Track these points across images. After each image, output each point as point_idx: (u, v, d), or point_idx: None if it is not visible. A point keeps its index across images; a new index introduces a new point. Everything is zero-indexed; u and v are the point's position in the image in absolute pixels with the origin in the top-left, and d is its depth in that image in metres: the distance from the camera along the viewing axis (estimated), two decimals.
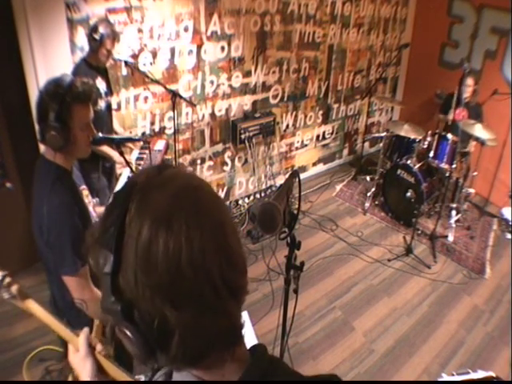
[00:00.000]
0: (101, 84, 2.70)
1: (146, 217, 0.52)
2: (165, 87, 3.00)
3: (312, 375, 0.72)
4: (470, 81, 3.82)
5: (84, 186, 1.68)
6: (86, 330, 0.92)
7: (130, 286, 0.52)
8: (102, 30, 2.47)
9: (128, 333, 0.54)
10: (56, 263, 1.45)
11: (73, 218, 1.43)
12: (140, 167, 2.78)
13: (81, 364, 0.88)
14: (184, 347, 0.54)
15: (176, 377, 0.67)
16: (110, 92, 2.85)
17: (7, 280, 0.99)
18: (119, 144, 1.97)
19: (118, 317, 0.54)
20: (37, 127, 1.45)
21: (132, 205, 0.53)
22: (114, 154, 2.61)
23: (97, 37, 2.47)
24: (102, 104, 2.70)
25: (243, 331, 0.62)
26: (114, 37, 2.56)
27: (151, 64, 3.17)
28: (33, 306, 0.98)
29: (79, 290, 1.44)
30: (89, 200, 1.67)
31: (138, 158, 2.89)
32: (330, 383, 0.74)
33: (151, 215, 0.52)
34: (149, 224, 0.51)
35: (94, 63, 2.62)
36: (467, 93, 3.77)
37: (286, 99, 4.27)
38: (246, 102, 3.94)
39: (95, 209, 1.72)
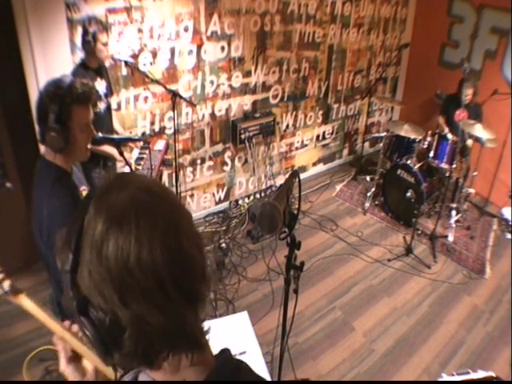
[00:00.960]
0: (100, 85, 2.70)
1: (101, 216, 0.55)
2: (165, 87, 3.00)
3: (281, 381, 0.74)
4: (469, 90, 3.83)
5: (84, 187, 1.68)
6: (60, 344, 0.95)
7: (85, 282, 0.56)
8: (91, 29, 2.48)
9: (86, 325, 0.57)
10: (56, 263, 1.45)
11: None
12: (140, 167, 2.78)
13: (66, 371, 0.95)
14: (135, 345, 0.56)
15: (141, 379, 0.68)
16: (110, 93, 2.85)
17: (0, 276, 1.02)
18: (119, 144, 1.97)
19: (75, 312, 0.57)
20: (37, 128, 1.45)
21: (91, 204, 0.57)
22: (114, 152, 2.61)
23: (90, 38, 2.48)
24: (101, 106, 2.70)
25: (206, 337, 0.64)
26: (106, 28, 2.56)
27: (151, 64, 3.17)
28: (25, 301, 1.01)
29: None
30: None
31: (138, 158, 2.89)
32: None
33: (105, 214, 0.55)
34: (102, 222, 0.54)
35: (92, 65, 2.62)
36: (466, 101, 3.78)
37: (286, 99, 4.27)
38: (246, 101, 3.94)
39: None
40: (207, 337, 0.64)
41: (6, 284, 1.02)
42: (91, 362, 0.96)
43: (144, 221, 0.55)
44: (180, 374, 0.62)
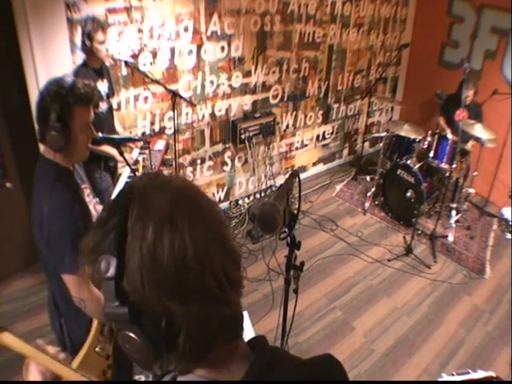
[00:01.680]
0: (102, 86, 2.70)
1: (148, 219, 0.54)
2: (165, 87, 3.00)
3: (309, 358, 0.76)
4: (469, 92, 3.83)
5: (85, 185, 1.69)
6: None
7: (136, 288, 0.53)
8: (87, 30, 2.48)
9: (134, 336, 0.55)
10: (56, 262, 1.45)
11: (73, 217, 1.42)
12: (140, 167, 2.78)
13: None
14: (191, 342, 0.55)
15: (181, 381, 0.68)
16: (111, 93, 2.85)
17: None
18: (119, 144, 1.97)
19: (124, 320, 0.54)
20: (37, 127, 1.45)
21: (133, 209, 0.55)
22: (114, 153, 2.61)
23: (86, 38, 2.47)
24: (103, 106, 2.70)
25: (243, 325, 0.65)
26: (102, 26, 2.55)
27: (151, 64, 3.17)
28: (8, 338, 0.93)
29: (78, 288, 1.44)
30: (89, 199, 1.68)
31: (138, 159, 2.88)
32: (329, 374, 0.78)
33: (154, 217, 0.54)
34: (153, 225, 0.53)
35: (94, 66, 2.62)
36: (467, 102, 3.78)
37: (286, 99, 4.27)
38: (246, 101, 3.94)
39: (96, 208, 1.72)
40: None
41: None
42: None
43: (193, 217, 0.56)
44: (224, 364, 0.62)
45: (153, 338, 0.55)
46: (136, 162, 2.84)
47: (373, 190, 4.45)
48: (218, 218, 0.61)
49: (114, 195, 2.61)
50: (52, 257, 1.46)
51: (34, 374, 0.93)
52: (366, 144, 5.32)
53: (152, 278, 0.53)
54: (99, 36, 2.51)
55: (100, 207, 1.76)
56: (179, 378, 0.66)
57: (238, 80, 3.77)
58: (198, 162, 3.83)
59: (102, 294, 0.56)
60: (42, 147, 1.51)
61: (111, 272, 0.53)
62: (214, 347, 0.58)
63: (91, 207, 1.64)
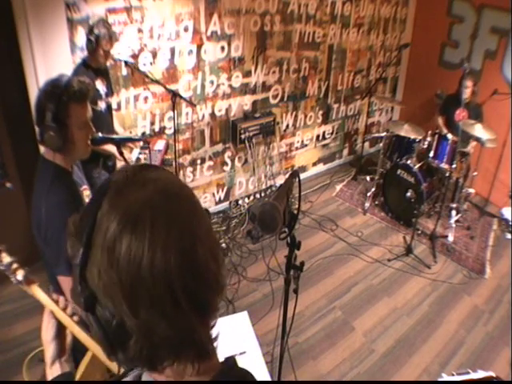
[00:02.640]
0: (100, 86, 2.70)
1: (115, 214, 0.52)
2: (165, 87, 3.00)
3: None
4: (468, 82, 3.82)
5: (85, 186, 1.68)
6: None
7: (94, 280, 0.53)
8: (97, 31, 2.47)
9: (92, 321, 0.56)
10: (52, 262, 1.44)
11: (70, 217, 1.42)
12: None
13: (44, 327, 1.01)
14: (140, 350, 0.54)
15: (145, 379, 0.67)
16: (110, 93, 2.85)
17: (14, 266, 1.07)
18: (119, 144, 1.97)
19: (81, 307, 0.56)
20: (36, 129, 1.45)
21: (105, 200, 0.54)
22: (114, 151, 2.60)
23: (92, 38, 2.46)
24: (102, 105, 2.69)
25: (214, 345, 0.62)
26: (111, 37, 2.55)
27: (151, 64, 3.17)
28: (37, 291, 1.05)
29: (72, 292, 1.43)
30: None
31: (138, 158, 2.89)
32: None
33: (120, 213, 0.52)
34: (117, 222, 0.52)
35: (93, 65, 2.62)
36: (466, 94, 3.77)
37: (286, 99, 4.27)
38: (246, 102, 3.94)
39: None
40: (215, 343, 0.62)
41: (20, 274, 1.06)
42: (95, 351, 1.03)
43: (159, 225, 0.52)
44: (184, 378, 0.60)
45: (106, 331, 0.55)
46: (138, 159, 2.84)
47: (373, 189, 4.45)
48: (193, 234, 0.55)
49: None
50: (49, 257, 1.45)
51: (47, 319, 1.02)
52: (366, 144, 5.32)
53: (107, 277, 0.52)
54: (107, 45, 2.52)
55: None
56: (144, 376, 0.66)
57: (238, 80, 3.77)
58: (198, 162, 3.83)
59: (73, 275, 0.57)
60: (42, 149, 1.52)
61: (77, 259, 0.54)
62: (166, 362, 0.56)
63: None
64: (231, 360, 0.67)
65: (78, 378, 1.12)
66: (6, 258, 1.08)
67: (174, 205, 0.56)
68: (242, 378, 0.66)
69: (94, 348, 1.07)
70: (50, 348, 0.99)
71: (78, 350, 1.48)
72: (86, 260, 0.54)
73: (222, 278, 0.59)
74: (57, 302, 1.03)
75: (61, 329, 1.02)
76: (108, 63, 2.82)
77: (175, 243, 0.53)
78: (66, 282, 1.42)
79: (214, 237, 0.61)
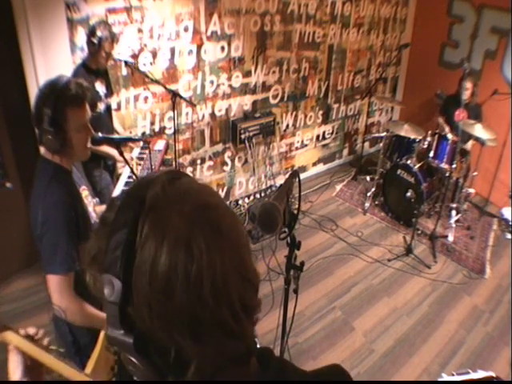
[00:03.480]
0: (100, 87, 2.69)
1: (163, 239, 0.46)
2: (165, 87, 3.00)
3: (316, 369, 0.71)
4: (468, 84, 3.83)
5: (84, 187, 1.68)
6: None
7: (143, 318, 0.47)
8: (99, 33, 2.46)
9: (138, 364, 0.50)
10: (45, 260, 1.42)
11: (67, 217, 1.41)
12: (140, 167, 2.78)
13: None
14: (200, 375, 0.51)
15: None
16: (109, 93, 2.85)
17: None
18: (119, 144, 1.97)
19: (129, 348, 0.49)
20: (36, 130, 1.45)
21: (143, 224, 0.47)
22: (114, 152, 2.61)
23: (95, 41, 2.46)
24: (101, 107, 2.69)
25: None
26: (113, 39, 2.55)
27: (151, 64, 3.17)
28: (10, 336, 0.91)
29: (59, 294, 1.40)
30: (89, 200, 1.67)
31: (138, 158, 2.89)
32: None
33: (168, 238, 0.46)
34: (168, 247, 0.46)
35: (93, 66, 2.62)
36: (466, 96, 3.78)
37: (286, 99, 4.27)
38: (246, 102, 3.94)
39: (95, 209, 1.72)
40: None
41: None
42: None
43: (212, 241, 0.48)
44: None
45: (159, 367, 0.50)
46: (141, 158, 2.84)
47: (373, 189, 4.46)
48: (239, 240, 0.53)
49: (115, 193, 2.58)
50: (43, 255, 1.44)
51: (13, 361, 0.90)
52: (366, 144, 5.32)
53: (161, 311, 0.46)
54: (109, 47, 2.52)
55: (99, 207, 1.76)
56: None
57: (238, 80, 3.77)
58: (198, 162, 3.83)
59: (106, 316, 0.50)
60: (41, 149, 1.52)
61: (115, 296, 0.47)
62: (224, 374, 0.54)
63: (90, 209, 1.64)
64: (266, 353, 0.66)
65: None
66: None
67: (217, 217, 0.52)
68: (280, 372, 0.65)
69: (82, 379, 0.97)
70: None
71: (84, 353, 1.48)
72: (128, 296, 0.47)
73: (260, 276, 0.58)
74: (33, 339, 0.92)
75: (31, 365, 0.90)
76: (108, 63, 2.82)
77: (229, 256, 0.49)
78: (54, 283, 1.41)
79: (247, 237, 0.58)
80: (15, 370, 0.88)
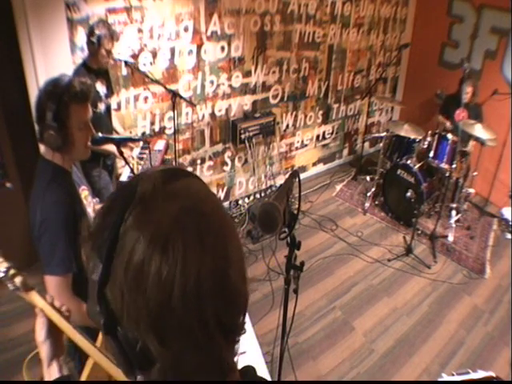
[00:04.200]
0: (101, 87, 2.69)
1: (143, 232, 0.47)
2: (165, 87, 3.00)
3: None
4: (468, 88, 3.85)
5: (84, 187, 1.68)
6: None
7: (116, 301, 0.48)
8: (98, 32, 2.46)
9: (112, 344, 0.51)
10: (43, 261, 1.42)
11: (66, 218, 1.41)
12: (140, 167, 2.78)
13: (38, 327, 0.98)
14: (164, 377, 0.50)
15: None
16: (110, 93, 2.84)
17: (11, 272, 1.03)
18: (119, 144, 1.97)
19: (102, 327, 0.50)
20: (36, 127, 1.45)
21: (130, 214, 0.48)
22: (114, 149, 2.60)
23: (94, 40, 2.46)
24: (101, 107, 2.69)
25: (235, 361, 0.58)
26: (112, 36, 2.55)
27: (151, 64, 3.17)
28: (35, 297, 1.01)
29: (57, 294, 1.39)
30: (88, 201, 1.67)
31: (138, 158, 2.89)
32: None
33: (149, 232, 0.47)
34: (145, 241, 0.46)
35: (94, 66, 2.61)
36: (466, 99, 3.79)
37: (286, 99, 4.27)
38: (246, 101, 3.94)
39: (95, 208, 1.72)
40: (235, 358, 0.58)
41: (18, 280, 1.03)
42: (94, 356, 1.00)
43: (192, 249, 0.47)
44: None
45: (127, 353, 0.50)
46: (141, 158, 2.84)
47: (373, 189, 4.46)
48: (227, 256, 0.51)
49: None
50: (41, 255, 1.43)
51: (38, 320, 0.99)
52: (366, 144, 5.32)
53: (131, 301, 0.47)
54: (108, 44, 2.51)
55: (100, 206, 1.76)
56: None
57: (238, 80, 3.77)
58: (198, 162, 3.83)
59: (89, 290, 0.52)
60: (41, 147, 1.51)
61: (96, 276, 0.49)
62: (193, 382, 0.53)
63: (90, 209, 1.63)
64: (250, 371, 0.64)
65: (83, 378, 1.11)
66: (3, 264, 1.04)
67: (205, 225, 0.50)
68: None
69: (93, 352, 1.05)
70: (43, 348, 0.97)
71: (83, 352, 1.48)
72: (107, 277, 0.49)
73: (248, 298, 0.56)
74: (52, 305, 1.01)
75: (53, 328, 0.99)
76: (109, 62, 2.82)
77: (208, 269, 0.48)
78: (52, 284, 1.41)
79: (242, 254, 0.56)
80: (40, 332, 0.98)
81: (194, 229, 0.49)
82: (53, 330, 0.99)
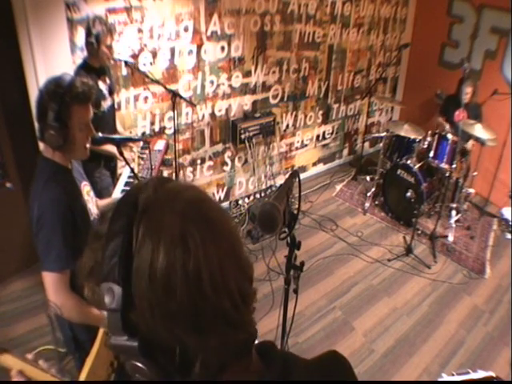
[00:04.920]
0: (103, 86, 2.69)
1: (159, 240, 0.47)
2: (165, 87, 3.00)
3: (316, 358, 0.74)
4: (468, 88, 3.86)
5: (86, 182, 1.68)
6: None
7: (146, 321, 0.48)
8: (95, 31, 2.45)
9: (144, 368, 0.50)
10: (41, 258, 1.43)
11: (64, 215, 1.41)
12: (140, 167, 2.78)
13: None
14: (206, 370, 0.51)
15: None
16: (113, 90, 2.83)
17: None
18: (119, 144, 1.97)
19: (134, 354, 0.49)
20: (36, 125, 1.45)
21: (137, 229, 0.48)
22: (115, 150, 2.60)
23: (93, 40, 2.45)
24: (105, 105, 2.69)
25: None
26: (110, 31, 2.53)
27: (151, 64, 3.17)
28: (9, 359, 0.92)
29: (55, 291, 1.41)
30: (90, 196, 1.67)
31: (138, 158, 2.88)
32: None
33: (165, 237, 0.47)
34: (164, 247, 0.47)
35: (95, 65, 2.60)
36: (466, 99, 3.79)
37: (286, 99, 4.27)
38: (246, 101, 3.94)
39: (97, 204, 1.72)
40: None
41: None
42: None
43: (205, 234, 0.49)
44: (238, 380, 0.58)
45: (165, 369, 0.50)
46: (141, 158, 2.84)
47: (373, 189, 4.45)
48: (230, 230, 0.55)
49: (115, 194, 2.56)
50: (39, 252, 1.44)
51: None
52: (366, 144, 5.32)
53: (163, 310, 0.47)
54: (107, 40, 2.50)
55: (101, 202, 1.76)
56: None
57: (237, 80, 3.77)
58: (198, 162, 3.83)
59: (107, 324, 0.50)
60: (41, 145, 1.52)
61: (116, 303, 0.47)
62: (229, 369, 0.55)
63: (91, 205, 1.63)
64: (268, 347, 0.66)
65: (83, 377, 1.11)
66: None
67: (207, 210, 0.54)
68: (286, 367, 0.64)
69: None
70: None
71: (83, 349, 1.48)
72: (129, 300, 0.47)
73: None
74: (29, 362, 0.92)
75: None
76: (111, 58, 2.80)
77: (224, 246, 0.51)
78: (50, 280, 1.41)
79: (237, 229, 0.60)
80: None
81: (201, 216, 0.52)
82: None
